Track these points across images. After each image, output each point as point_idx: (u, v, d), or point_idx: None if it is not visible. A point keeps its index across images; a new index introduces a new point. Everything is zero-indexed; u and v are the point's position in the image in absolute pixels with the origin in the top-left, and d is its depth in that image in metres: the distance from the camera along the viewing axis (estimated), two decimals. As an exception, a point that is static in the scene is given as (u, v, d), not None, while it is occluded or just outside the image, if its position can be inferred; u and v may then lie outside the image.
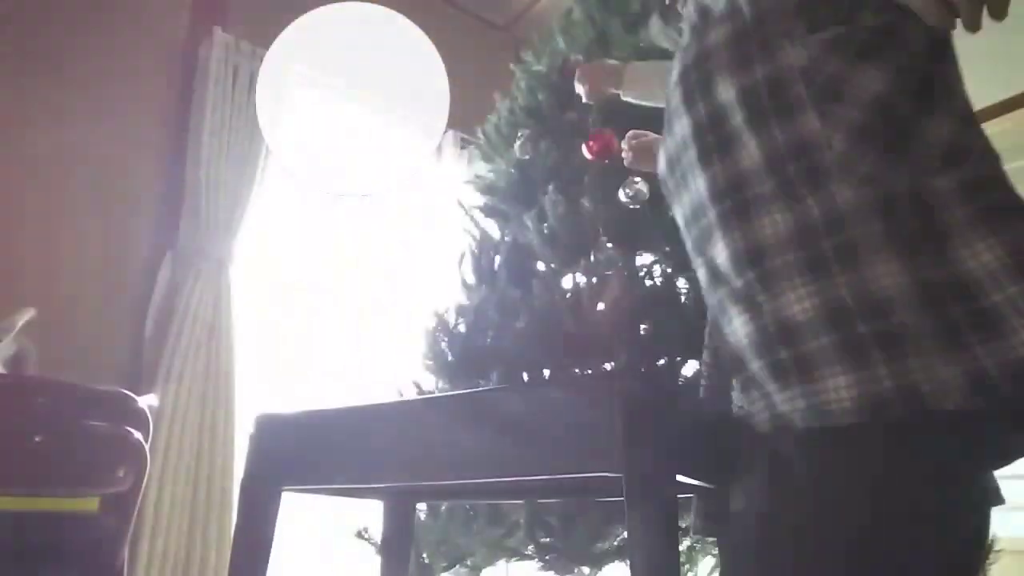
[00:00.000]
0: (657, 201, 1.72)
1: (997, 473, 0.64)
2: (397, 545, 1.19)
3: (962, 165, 0.59)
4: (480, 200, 2.08)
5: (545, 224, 1.79)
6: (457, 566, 1.57)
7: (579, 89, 1.38)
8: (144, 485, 1.48)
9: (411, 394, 1.79)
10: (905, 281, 0.56)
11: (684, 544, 1.44)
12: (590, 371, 1.54)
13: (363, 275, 2.78)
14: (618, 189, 1.56)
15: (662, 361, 1.55)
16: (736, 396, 0.71)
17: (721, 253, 0.69)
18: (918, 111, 0.61)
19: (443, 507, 1.56)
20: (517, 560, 1.49)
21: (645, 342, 1.57)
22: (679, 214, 0.80)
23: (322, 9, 2.74)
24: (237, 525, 0.95)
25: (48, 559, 1.35)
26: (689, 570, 1.47)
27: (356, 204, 2.83)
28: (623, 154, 1.33)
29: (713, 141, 0.69)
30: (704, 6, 0.75)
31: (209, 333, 2.34)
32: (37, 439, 1.30)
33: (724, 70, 0.68)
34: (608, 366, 1.56)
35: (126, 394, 1.48)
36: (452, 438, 0.71)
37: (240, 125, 2.52)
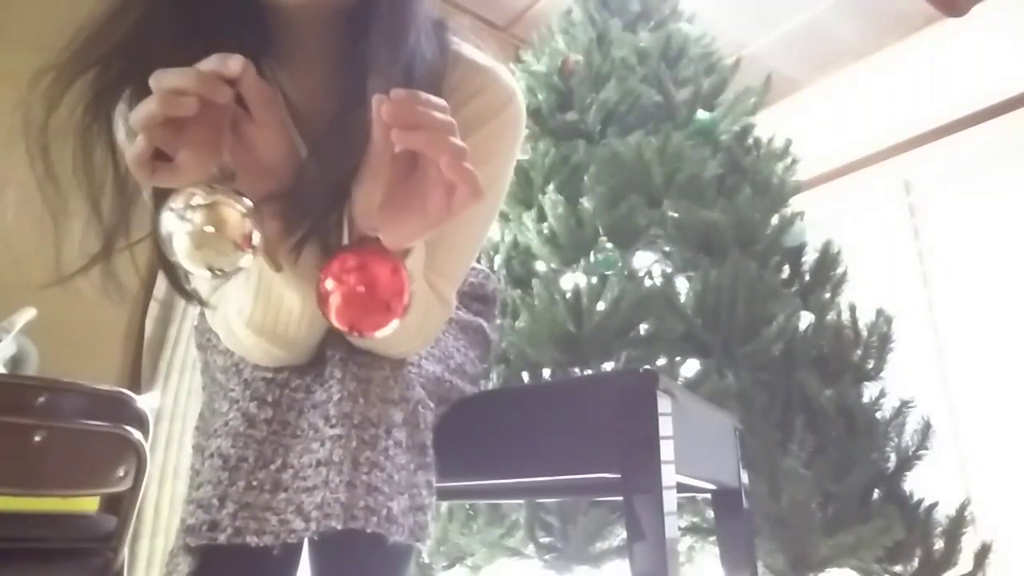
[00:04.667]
0: (657, 203, 1.73)
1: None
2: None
3: None
4: (480, 200, 2.08)
5: (545, 224, 1.79)
6: (457, 566, 1.57)
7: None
8: (144, 485, 1.48)
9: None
10: None
11: (684, 544, 1.44)
12: (590, 371, 1.54)
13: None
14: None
15: (662, 361, 1.55)
16: None
17: None
18: None
19: (443, 507, 1.56)
20: (517, 560, 1.49)
21: (645, 342, 1.57)
22: None
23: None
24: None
25: (48, 559, 1.35)
26: (689, 570, 1.47)
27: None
28: None
29: None
30: None
31: (209, 333, 2.35)
32: (37, 439, 1.30)
33: None
34: (608, 366, 1.56)
35: (126, 394, 1.48)
36: (452, 439, 0.71)
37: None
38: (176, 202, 0.46)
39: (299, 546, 0.60)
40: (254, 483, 0.58)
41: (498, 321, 0.99)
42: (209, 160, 0.50)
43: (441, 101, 0.50)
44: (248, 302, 0.61)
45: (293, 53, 0.67)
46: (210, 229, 0.46)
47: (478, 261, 0.98)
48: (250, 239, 0.47)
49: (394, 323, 0.51)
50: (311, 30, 0.66)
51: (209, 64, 0.47)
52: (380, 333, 0.51)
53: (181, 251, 0.46)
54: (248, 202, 0.48)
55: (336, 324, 0.49)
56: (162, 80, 0.46)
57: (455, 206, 0.51)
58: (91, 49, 0.57)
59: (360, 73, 0.60)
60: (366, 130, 0.53)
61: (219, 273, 0.48)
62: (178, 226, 0.45)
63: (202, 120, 0.48)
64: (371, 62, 0.59)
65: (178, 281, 0.62)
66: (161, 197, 0.56)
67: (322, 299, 0.50)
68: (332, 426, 0.59)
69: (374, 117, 0.50)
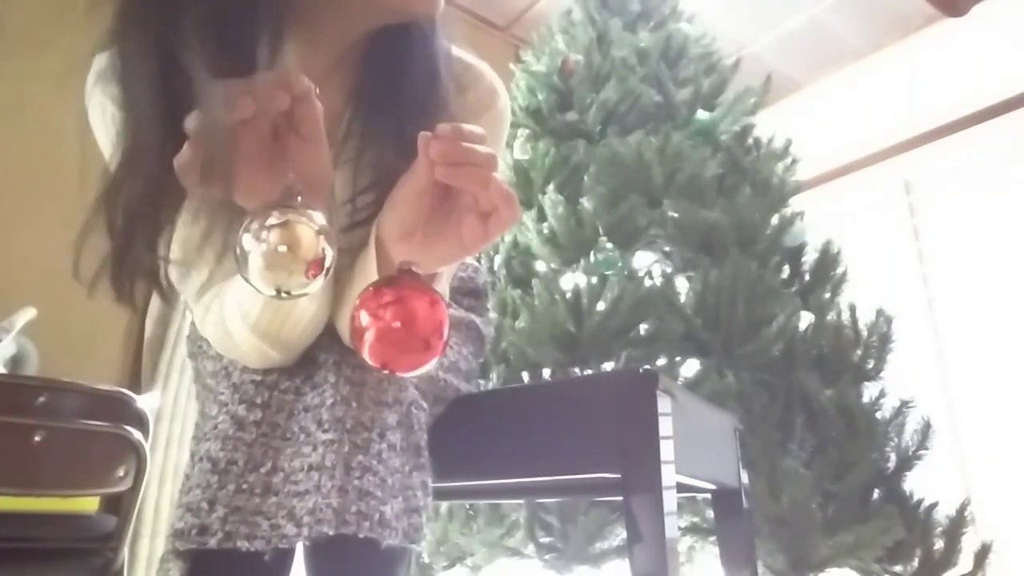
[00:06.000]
0: (657, 203, 1.73)
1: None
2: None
3: None
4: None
5: (545, 224, 1.79)
6: (457, 566, 1.57)
7: None
8: (144, 485, 1.48)
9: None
10: None
11: (684, 544, 1.44)
12: (590, 371, 1.54)
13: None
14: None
15: (662, 361, 1.55)
16: None
17: None
18: None
19: (443, 507, 1.56)
20: (517, 560, 1.49)
21: (645, 342, 1.57)
22: None
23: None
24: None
25: (48, 559, 1.35)
26: (689, 570, 1.47)
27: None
28: None
29: None
30: None
31: (209, 333, 2.35)
32: (37, 439, 1.29)
33: None
34: (608, 366, 1.56)
35: (126, 394, 1.48)
36: (452, 439, 0.71)
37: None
38: (252, 223, 0.46)
39: (291, 550, 0.60)
40: (244, 486, 0.57)
41: (491, 315, 0.98)
42: (257, 172, 0.51)
43: (480, 131, 0.52)
44: (257, 306, 0.60)
45: (303, 41, 0.66)
46: (283, 249, 0.46)
47: (477, 259, 0.97)
48: (322, 262, 0.47)
49: (433, 362, 0.49)
50: (328, 24, 0.66)
51: (271, 77, 0.48)
52: (415, 373, 0.50)
53: (254, 271, 0.46)
54: (321, 219, 0.48)
55: (369, 361, 0.48)
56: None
57: (492, 230, 0.53)
58: None
59: (372, 71, 0.63)
60: (403, 147, 0.55)
61: (286, 295, 0.48)
62: (254, 246, 0.46)
63: (251, 131, 0.49)
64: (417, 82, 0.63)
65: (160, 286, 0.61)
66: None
67: (356, 334, 0.48)
68: (325, 431, 0.58)
69: (420, 153, 0.52)
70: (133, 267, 0.58)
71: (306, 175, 0.54)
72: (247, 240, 0.46)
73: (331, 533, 0.54)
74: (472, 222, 0.53)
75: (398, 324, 0.47)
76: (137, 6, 0.57)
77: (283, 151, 0.52)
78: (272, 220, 0.46)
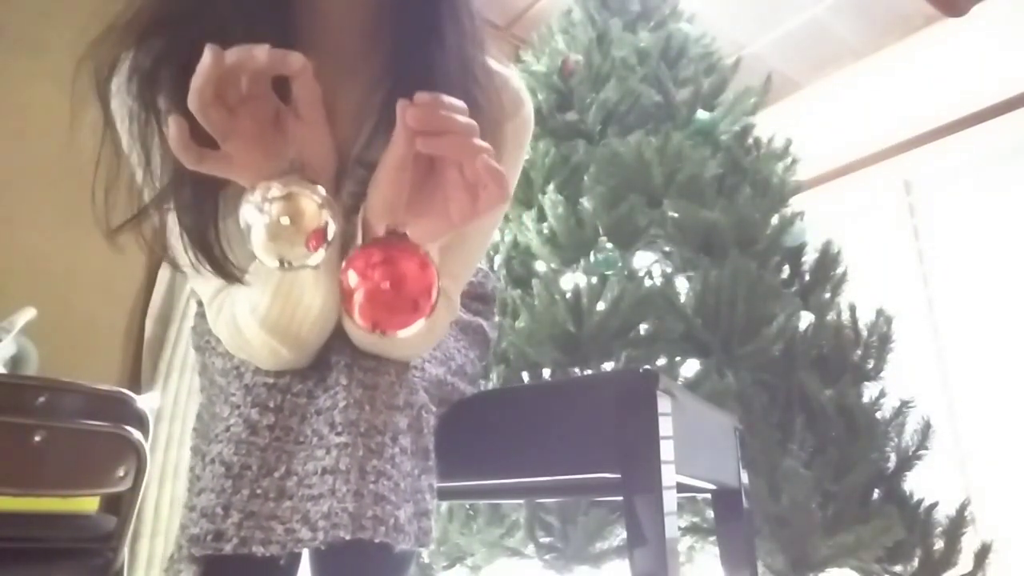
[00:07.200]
0: (657, 203, 1.73)
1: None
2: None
3: None
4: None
5: (545, 224, 1.79)
6: (457, 566, 1.57)
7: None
8: (144, 485, 1.48)
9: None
10: None
11: (684, 544, 1.44)
12: (590, 371, 1.54)
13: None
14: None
15: (662, 361, 1.55)
16: None
17: None
18: None
19: (443, 507, 1.56)
20: (517, 560, 1.49)
21: (645, 342, 1.57)
22: None
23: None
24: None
25: (48, 559, 1.35)
26: (689, 570, 1.47)
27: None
28: None
29: None
30: None
31: (209, 333, 2.34)
32: (37, 439, 1.30)
33: None
34: (608, 366, 1.56)
35: (126, 394, 1.48)
36: (453, 439, 0.71)
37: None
38: (254, 195, 0.47)
39: (300, 552, 0.60)
40: (258, 491, 0.57)
41: (496, 319, 0.99)
42: (255, 153, 0.51)
43: (461, 103, 0.50)
44: (265, 299, 0.60)
45: (318, 42, 0.66)
46: (286, 221, 0.46)
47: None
48: (324, 233, 0.47)
49: (420, 322, 0.49)
50: (342, 19, 0.66)
51: (266, 51, 0.47)
52: (404, 333, 0.50)
53: (257, 243, 0.47)
54: (322, 191, 0.48)
55: (359, 322, 0.48)
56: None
57: (482, 206, 0.52)
58: (147, 16, 0.57)
59: (404, 68, 0.63)
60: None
61: (287, 266, 0.48)
62: (256, 218, 0.46)
63: (249, 113, 0.49)
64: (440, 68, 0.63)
65: (216, 260, 0.60)
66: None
67: (345, 296, 0.47)
68: (338, 434, 0.58)
69: (398, 122, 0.50)
70: (208, 243, 0.59)
71: (306, 157, 0.54)
72: (249, 211, 0.46)
73: (347, 538, 0.54)
74: (460, 197, 0.52)
75: (387, 285, 0.47)
76: (152, 5, 0.57)
77: (283, 133, 0.52)
78: (275, 192, 0.46)
